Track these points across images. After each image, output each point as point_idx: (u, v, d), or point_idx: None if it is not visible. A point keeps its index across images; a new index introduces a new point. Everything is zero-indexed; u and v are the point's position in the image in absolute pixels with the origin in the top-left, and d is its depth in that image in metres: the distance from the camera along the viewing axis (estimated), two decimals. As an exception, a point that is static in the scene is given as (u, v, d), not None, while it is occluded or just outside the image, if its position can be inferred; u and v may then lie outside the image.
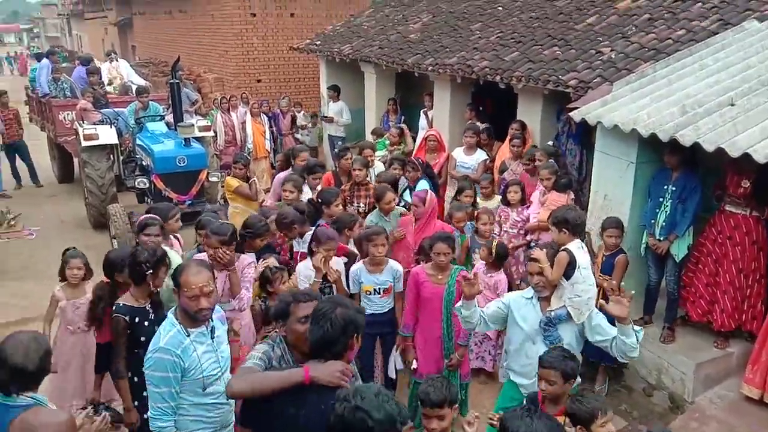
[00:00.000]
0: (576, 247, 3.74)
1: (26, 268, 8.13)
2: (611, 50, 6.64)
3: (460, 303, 3.68)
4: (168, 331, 2.93)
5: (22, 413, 2.43)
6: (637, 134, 4.92)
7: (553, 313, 3.62)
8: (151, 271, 3.76)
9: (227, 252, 4.08)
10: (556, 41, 7.44)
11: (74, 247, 4.83)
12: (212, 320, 3.08)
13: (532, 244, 5.52)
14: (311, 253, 4.55)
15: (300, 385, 2.41)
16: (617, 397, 5.31)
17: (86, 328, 4.45)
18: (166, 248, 4.27)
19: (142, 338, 3.64)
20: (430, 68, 8.54)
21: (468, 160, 7.19)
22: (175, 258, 4.34)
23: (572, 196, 5.90)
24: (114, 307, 3.76)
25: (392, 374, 4.86)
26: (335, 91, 11.32)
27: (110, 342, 3.96)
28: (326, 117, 11.49)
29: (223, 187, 8.27)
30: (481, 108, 8.57)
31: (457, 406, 3.00)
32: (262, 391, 2.50)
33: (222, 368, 3.10)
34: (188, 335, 2.94)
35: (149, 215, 4.92)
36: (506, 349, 4.01)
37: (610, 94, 5.57)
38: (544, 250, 3.67)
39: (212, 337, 3.06)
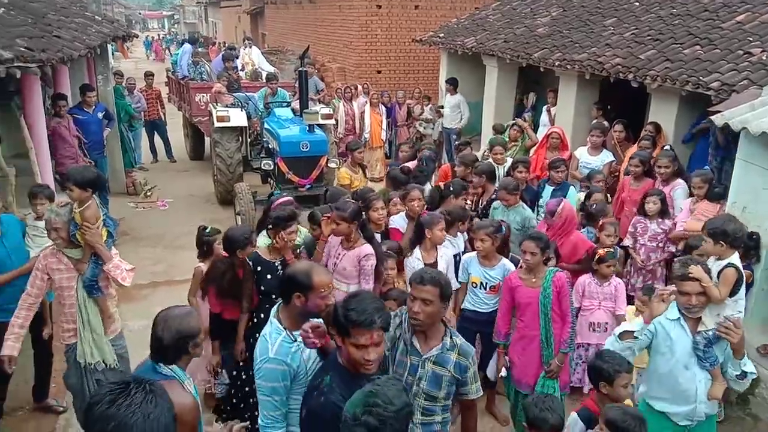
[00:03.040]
0: (737, 260, 3.49)
1: (158, 236, 8.79)
2: (762, 51, 6.13)
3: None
4: (275, 339, 2.79)
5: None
6: (788, 143, 4.52)
7: (710, 333, 3.32)
8: (270, 226, 4.11)
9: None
10: (698, 40, 6.98)
11: (207, 227, 4.92)
12: None
13: (677, 254, 5.14)
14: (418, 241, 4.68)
15: None
16: (740, 424, 4.94)
17: None
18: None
19: (263, 287, 4.12)
20: (557, 63, 8.29)
21: (592, 160, 6.87)
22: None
23: (725, 206, 5.45)
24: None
25: (492, 377, 4.70)
26: (452, 85, 11.28)
27: (220, 313, 4.33)
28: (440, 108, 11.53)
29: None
30: (609, 107, 8.21)
31: None
32: None
33: None
34: (294, 340, 2.82)
35: (284, 200, 5.12)
36: (648, 377, 3.68)
37: (759, 98, 5.14)
38: (699, 266, 3.34)
39: None
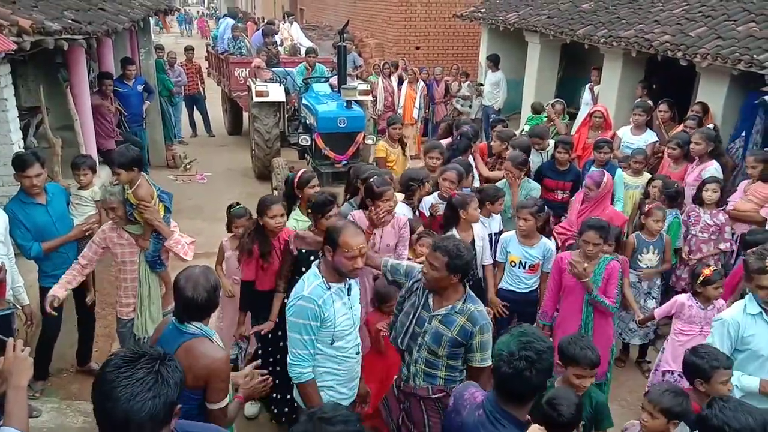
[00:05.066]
0: None
1: (197, 209, 8.93)
2: (822, 28, 5.84)
3: None
4: (312, 282, 3.02)
5: (190, 340, 2.63)
6: None
7: None
8: (310, 211, 4.03)
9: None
10: (753, 16, 6.69)
11: (238, 203, 4.94)
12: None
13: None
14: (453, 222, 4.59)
15: None
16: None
17: None
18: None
19: (303, 269, 3.87)
20: (602, 40, 8.06)
21: (635, 140, 6.66)
22: None
23: None
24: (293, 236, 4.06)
25: None
26: (493, 61, 11.07)
27: (253, 282, 4.21)
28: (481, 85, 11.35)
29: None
30: (654, 86, 7.96)
31: None
32: None
33: (353, 325, 3.18)
34: (329, 289, 3.02)
35: (305, 170, 5.10)
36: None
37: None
38: None
39: (348, 295, 3.13)
